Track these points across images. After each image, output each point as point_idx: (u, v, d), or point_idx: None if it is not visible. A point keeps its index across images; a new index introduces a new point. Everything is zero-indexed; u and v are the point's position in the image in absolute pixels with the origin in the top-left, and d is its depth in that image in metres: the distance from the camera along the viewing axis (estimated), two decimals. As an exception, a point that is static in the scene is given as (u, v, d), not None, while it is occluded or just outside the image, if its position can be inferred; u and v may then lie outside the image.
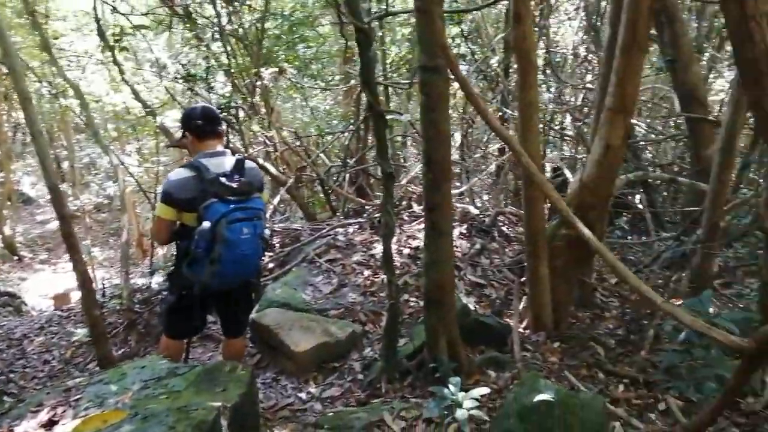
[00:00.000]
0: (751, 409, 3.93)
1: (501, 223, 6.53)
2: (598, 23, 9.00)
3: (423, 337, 4.30)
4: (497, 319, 4.78)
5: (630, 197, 8.27)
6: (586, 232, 2.88)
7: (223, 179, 3.40)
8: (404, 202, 6.88)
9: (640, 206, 8.14)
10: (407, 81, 7.32)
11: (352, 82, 8.77)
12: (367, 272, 5.56)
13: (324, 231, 6.23)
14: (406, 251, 5.90)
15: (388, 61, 8.83)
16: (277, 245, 6.36)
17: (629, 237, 7.91)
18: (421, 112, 3.66)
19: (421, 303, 5.10)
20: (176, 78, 7.57)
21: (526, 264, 4.59)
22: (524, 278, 5.33)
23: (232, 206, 3.36)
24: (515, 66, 8.97)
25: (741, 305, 5.64)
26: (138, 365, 3.21)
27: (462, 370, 4.09)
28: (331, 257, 5.76)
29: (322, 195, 7.66)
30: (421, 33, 3.57)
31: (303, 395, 4.29)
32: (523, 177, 4.24)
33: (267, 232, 3.71)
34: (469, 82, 2.98)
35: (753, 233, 6.10)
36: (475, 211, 6.76)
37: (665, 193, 9.06)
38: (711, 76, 9.41)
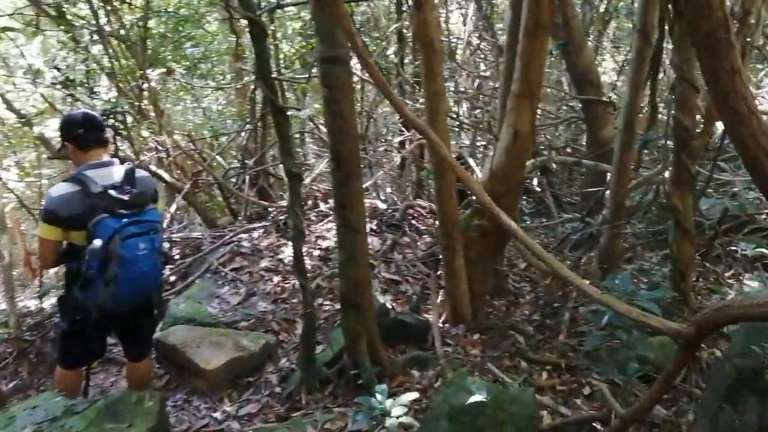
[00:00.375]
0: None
1: (411, 217, 6.43)
2: (488, 11, 9.10)
3: (341, 341, 4.13)
4: (416, 315, 4.67)
5: (528, 181, 8.41)
6: (511, 222, 2.78)
7: (112, 192, 3.08)
8: (310, 202, 6.65)
9: (538, 189, 8.31)
10: (304, 76, 7.09)
11: (246, 79, 8.44)
12: (276, 278, 5.31)
13: (227, 238, 5.91)
14: (317, 253, 5.69)
15: (280, 57, 8.55)
16: (177, 256, 5.98)
17: (531, 221, 8.06)
18: (325, 106, 3.47)
19: (337, 306, 4.93)
20: (54, 84, 6.99)
21: (441, 257, 4.49)
22: (439, 271, 5.26)
23: (125, 221, 3.06)
24: (410, 56, 8.97)
25: (645, 280, 5.80)
26: (29, 405, 2.86)
27: (385, 373, 3.95)
28: (236, 265, 5.46)
29: (221, 199, 7.31)
30: (319, 22, 3.37)
31: (218, 415, 4.00)
32: (434, 169, 4.13)
33: (166, 245, 3.42)
34: (377, 69, 2.82)
35: (651, 209, 6.31)
36: (384, 206, 6.63)
37: (563, 176, 9.28)
38: (598, 58, 9.71)
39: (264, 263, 5.50)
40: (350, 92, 3.46)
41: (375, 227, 6.19)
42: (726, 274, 5.61)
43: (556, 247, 6.56)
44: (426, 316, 4.85)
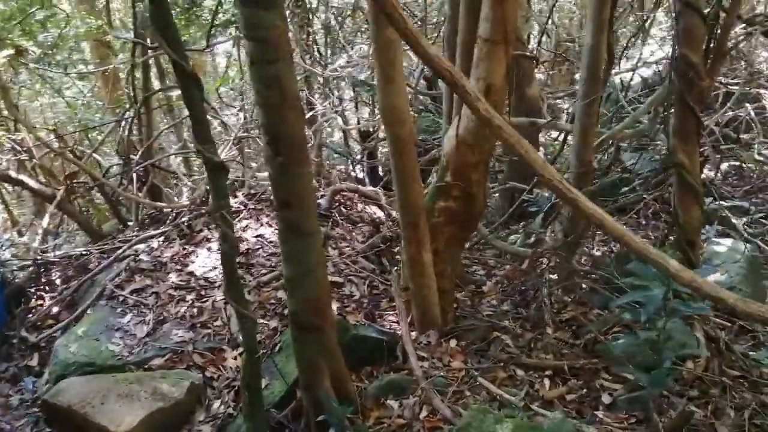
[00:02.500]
0: (694, 375, 3.45)
1: (339, 204, 5.60)
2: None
3: (291, 373, 3.31)
4: (377, 327, 3.88)
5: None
6: (584, 200, 2.03)
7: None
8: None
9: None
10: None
11: (120, 57, 7.24)
12: (190, 297, 4.34)
13: (120, 252, 4.84)
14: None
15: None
16: (58, 281, 4.86)
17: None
18: (252, 69, 2.58)
19: (272, 324, 4.07)
20: None
21: (402, 252, 3.71)
22: (397, 269, 4.51)
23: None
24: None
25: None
26: None
27: (356, 410, 3.15)
28: (137, 286, 4.43)
29: (105, 204, 6.16)
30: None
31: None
32: (393, 145, 3.32)
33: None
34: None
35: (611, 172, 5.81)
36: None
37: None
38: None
39: (172, 279, 4.51)
40: (288, 47, 2.58)
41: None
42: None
43: (506, 222, 5.96)
44: (388, 325, 4.07)
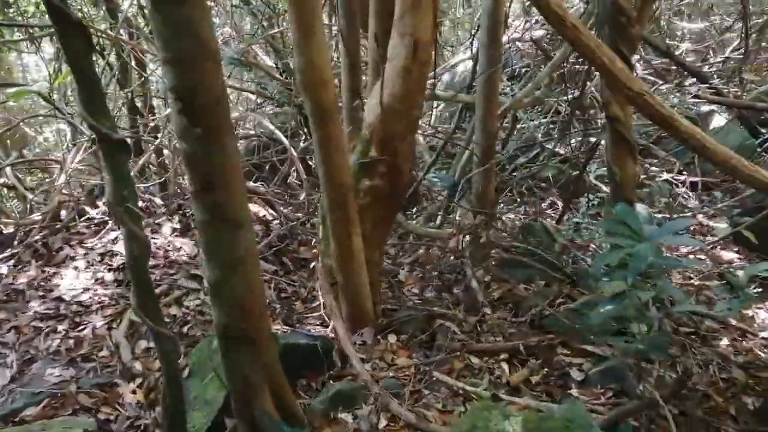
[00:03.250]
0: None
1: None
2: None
3: (218, 400, 2.76)
4: (304, 331, 3.38)
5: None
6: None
7: None
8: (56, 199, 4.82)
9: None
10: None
11: None
12: (62, 326, 3.58)
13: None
14: (110, 276, 4.04)
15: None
16: None
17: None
18: (157, 15, 2.01)
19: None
20: None
21: (326, 239, 3.24)
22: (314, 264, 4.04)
23: None
24: None
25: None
26: None
27: (305, 429, 2.65)
28: (-12, 322, 3.60)
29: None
30: None
31: None
32: (313, 116, 2.83)
33: None
34: None
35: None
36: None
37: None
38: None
39: (34, 308, 3.71)
40: (201, -19, 2.04)
41: (176, 224, 4.67)
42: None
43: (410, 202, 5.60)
44: (309, 327, 3.58)
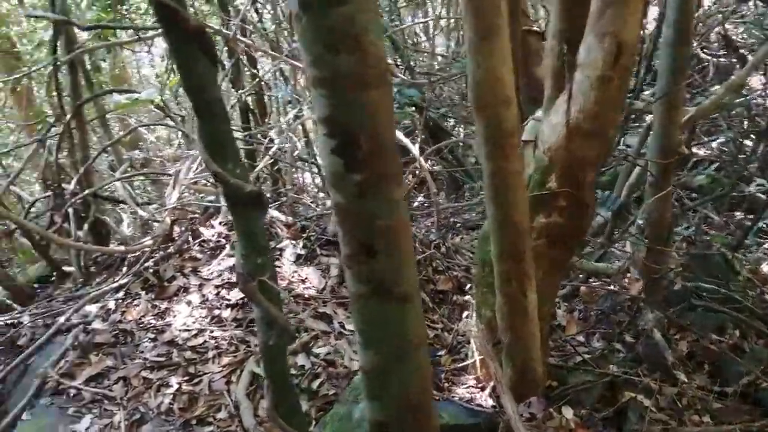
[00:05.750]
0: None
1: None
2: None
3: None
4: (462, 403, 2.81)
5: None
6: None
7: None
8: (179, 229, 4.47)
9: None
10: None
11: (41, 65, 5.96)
12: (175, 379, 3.18)
13: (61, 319, 3.62)
14: (227, 314, 3.63)
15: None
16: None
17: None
18: (305, 21, 1.48)
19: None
20: None
21: (500, 292, 2.64)
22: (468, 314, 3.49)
23: None
24: None
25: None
26: None
27: None
28: (94, 370, 3.23)
29: (32, 250, 4.87)
30: None
31: None
32: (487, 141, 2.24)
33: None
34: None
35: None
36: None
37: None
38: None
39: (144, 354, 3.34)
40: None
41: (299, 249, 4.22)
42: None
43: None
44: (461, 392, 3.01)
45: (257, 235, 1.64)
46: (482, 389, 3.00)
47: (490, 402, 2.88)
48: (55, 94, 4.84)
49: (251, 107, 6.43)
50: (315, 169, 6.62)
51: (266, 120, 6.68)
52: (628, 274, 3.71)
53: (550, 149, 2.57)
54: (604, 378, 2.92)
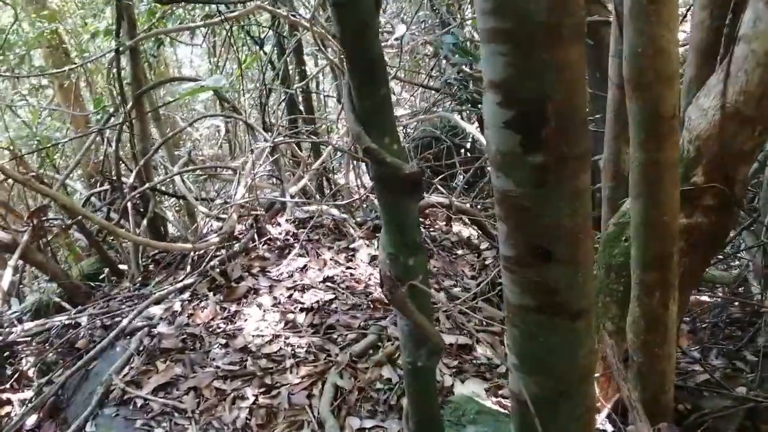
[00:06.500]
0: None
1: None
2: None
3: None
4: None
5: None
6: None
7: None
8: (241, 225, 4.18)
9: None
10: None
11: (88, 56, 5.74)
12: (251, 390, 2.87)
13: (124, 321, 3.35)
14: (307, 318, 3.31)
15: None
16: (31, 373, 3.37)
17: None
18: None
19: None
20: None
21: (638, 304, 2.27)
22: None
23: None
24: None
25: None
26: None
27: None
28: (162, 379, 2.94)
29: (88, 246, 4.62)
30: None
31: None
32: (641, 125, 1.89)
33: None
34: None
35: None
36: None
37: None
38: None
39: (217, 360, 3.04)
40: None
41: (374, 250, 3.89)
42: None
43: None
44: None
45: (410, 228, 1.31)
46: (597, 411, 2.64)
47: (610, 428, 2.52)
48: (114, 83, 4.58)
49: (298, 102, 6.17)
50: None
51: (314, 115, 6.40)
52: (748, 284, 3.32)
53: (698, 138, 2.20)
54: (745, 404, 2.53)
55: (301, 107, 6.40)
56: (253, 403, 2.80)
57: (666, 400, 2.43)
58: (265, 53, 5.82)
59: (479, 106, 5.15)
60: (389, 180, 1.25)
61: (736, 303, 3.36)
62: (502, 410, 2.58)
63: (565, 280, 1.35)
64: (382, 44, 1.43)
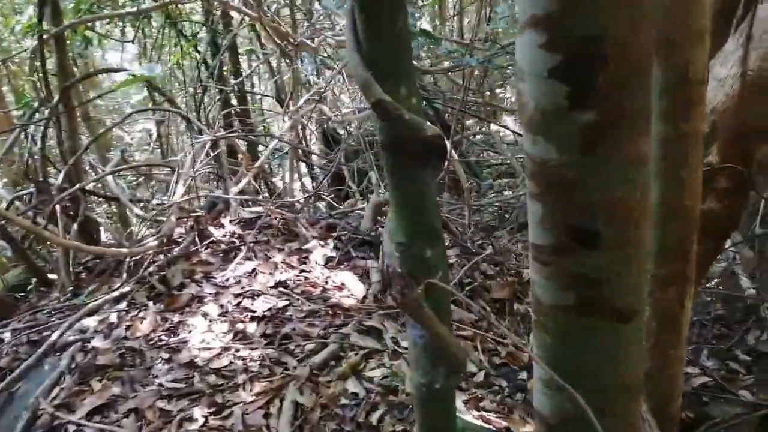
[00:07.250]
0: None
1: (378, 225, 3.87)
2: None
3: None
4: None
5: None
6: None
7: None
8: (182, 228, 3.80)
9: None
10: None
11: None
12: (199, 410, 2.51)
13: (53, 336, 2.93)
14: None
15: None
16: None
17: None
18: None
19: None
20: None
21: (651, 301, 2.03)
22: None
23: None
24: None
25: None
26: None
27: None
28: (97, 400, 2.56)
29: (14, 255, 4.14)
30: None
31: None
32: (665, 89, 1.65)
33: None
34: None
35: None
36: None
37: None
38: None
39: (160, 377, 2.67)
40: None
41: (330, 251, 3.58)
42: None
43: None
44: None
45: (429, 210, 1.00)
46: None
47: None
48: (37, 77, 4.13)
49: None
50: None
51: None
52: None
53: (714, 111, 1.98)
54: (759, 410, 2.32)
55: (237, 108, 6.20)
56: (203, 425, 2.44)
57: (674, 407, 2.20)
58: (198, 51, 5.49)
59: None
60: (406, 144, 0.95)
61: (728, 299, 3.19)
62: (486, 425, 2.30)
63: (614, 270, 1.07)
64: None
